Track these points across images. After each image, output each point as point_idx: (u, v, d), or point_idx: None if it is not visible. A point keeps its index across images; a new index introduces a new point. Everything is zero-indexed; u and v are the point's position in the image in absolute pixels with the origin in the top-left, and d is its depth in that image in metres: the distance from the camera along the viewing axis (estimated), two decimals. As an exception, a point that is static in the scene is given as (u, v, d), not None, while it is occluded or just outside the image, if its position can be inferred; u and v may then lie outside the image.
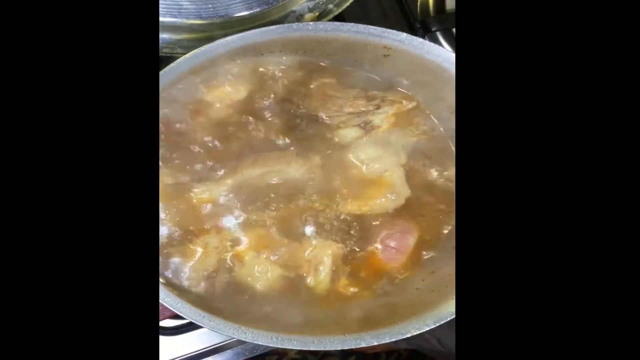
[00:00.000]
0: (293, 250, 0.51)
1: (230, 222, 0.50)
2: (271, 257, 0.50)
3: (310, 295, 0.52)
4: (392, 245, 0.54)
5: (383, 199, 0.53)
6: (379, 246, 0.54)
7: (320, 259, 0.52)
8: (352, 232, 0.53)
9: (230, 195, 0.49)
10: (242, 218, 0.50)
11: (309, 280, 0.52)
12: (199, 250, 0.50)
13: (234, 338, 0.61)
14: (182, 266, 0.49)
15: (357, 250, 0.53)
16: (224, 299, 0.50)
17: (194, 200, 0.49)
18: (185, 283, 0.49)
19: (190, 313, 0.43)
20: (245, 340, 0.44)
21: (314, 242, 0.52)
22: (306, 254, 0.51)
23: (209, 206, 0.49)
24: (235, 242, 0.50)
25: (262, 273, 0.50)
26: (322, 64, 0.52)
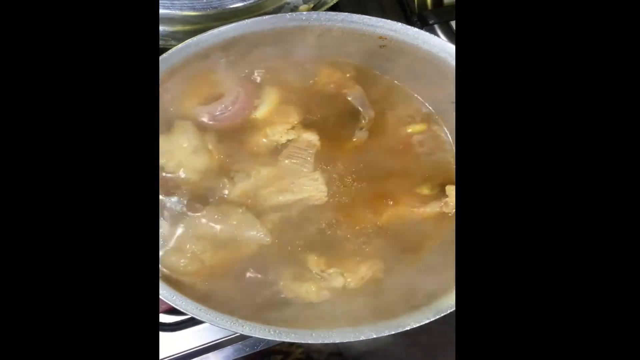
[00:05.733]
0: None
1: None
2: None
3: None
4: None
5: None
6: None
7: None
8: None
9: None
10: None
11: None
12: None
13: (233, 334, 0.61)
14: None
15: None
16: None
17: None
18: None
19: (186, 306, 0.43)
20: (243, 333, 0.43)
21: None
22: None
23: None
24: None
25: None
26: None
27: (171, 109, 0.49)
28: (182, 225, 0.49)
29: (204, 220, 0.49)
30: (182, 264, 0.48)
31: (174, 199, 0.49)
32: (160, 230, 0.48)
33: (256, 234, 0.49)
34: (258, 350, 0.62)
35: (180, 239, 0.49)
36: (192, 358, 0.61)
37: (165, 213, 0.49)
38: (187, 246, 0.48)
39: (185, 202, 0.49)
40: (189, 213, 0.49)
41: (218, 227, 0.49)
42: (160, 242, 0.48)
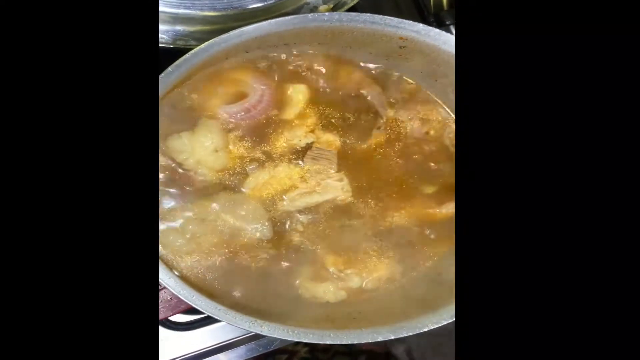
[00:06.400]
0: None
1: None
2: None
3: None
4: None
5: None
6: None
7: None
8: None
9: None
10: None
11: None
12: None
13: (246, 334, 0.61)
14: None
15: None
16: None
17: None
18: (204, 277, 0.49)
19: (205, 305, 0.43)
20: (262, 333, 0.43)
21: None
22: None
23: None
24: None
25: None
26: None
27: (195, 108, 0.49)
28: (190, 207, 0.49)
29: (213, 205, 0.49)
30: (178, 243, 0.48)
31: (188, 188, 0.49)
32: (167, 209, 0.49)
33: (260, 227, 0.50)
34: (272, 349, 0.62)
35: (184, 219, 0.49)
36: (205, 357, 0.62)
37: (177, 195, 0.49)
38: (190, 227, 0.49)
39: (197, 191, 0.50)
40: (201, 197, 0.49)
41: (225, 214, 0.49)
42: (164, 220, 0.49)
